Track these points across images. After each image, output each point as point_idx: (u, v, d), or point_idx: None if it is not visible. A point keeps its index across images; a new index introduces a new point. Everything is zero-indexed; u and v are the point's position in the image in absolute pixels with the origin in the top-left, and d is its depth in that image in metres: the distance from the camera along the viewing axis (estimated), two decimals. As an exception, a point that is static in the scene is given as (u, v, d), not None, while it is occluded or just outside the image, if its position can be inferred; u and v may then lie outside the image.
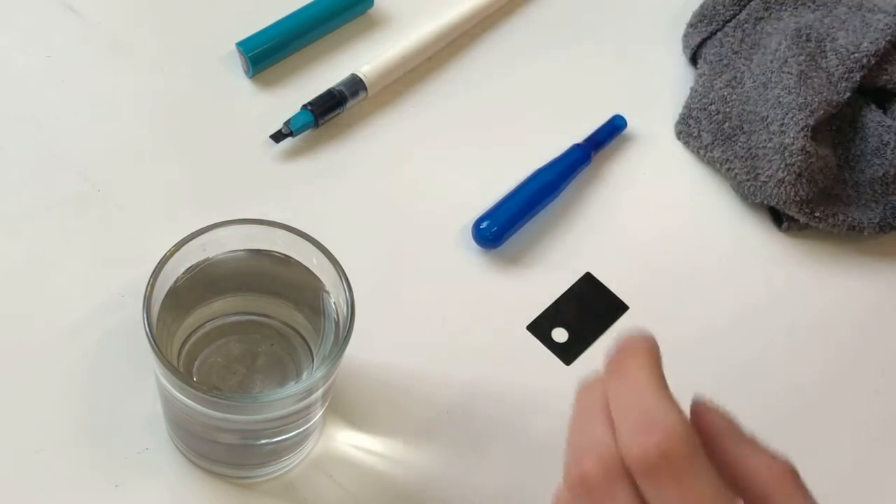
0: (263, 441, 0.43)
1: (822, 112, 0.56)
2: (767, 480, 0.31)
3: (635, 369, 0.31)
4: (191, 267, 0.42)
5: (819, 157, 0.55)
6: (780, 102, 0.56)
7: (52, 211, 0.52)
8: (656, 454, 0.29)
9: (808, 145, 0.54)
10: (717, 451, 0.31)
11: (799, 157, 0.54)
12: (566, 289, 0.53)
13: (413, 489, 0.47)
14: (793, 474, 0.31)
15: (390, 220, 0.54)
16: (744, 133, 0.57)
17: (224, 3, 0.61)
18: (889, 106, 0.59)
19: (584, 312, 0.52)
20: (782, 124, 0.55)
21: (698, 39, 0.62)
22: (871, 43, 0.58)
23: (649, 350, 0.32)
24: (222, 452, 0.44)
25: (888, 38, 0.58)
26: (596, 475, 0.30)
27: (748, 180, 0.56)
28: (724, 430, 0.31)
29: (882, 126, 0.58)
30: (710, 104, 0.59)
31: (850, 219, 0.55)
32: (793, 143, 0.54)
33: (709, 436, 0.31)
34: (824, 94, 0.56)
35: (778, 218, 0.57)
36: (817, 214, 0.55)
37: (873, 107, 0.59)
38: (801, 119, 0.55)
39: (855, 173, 0.57)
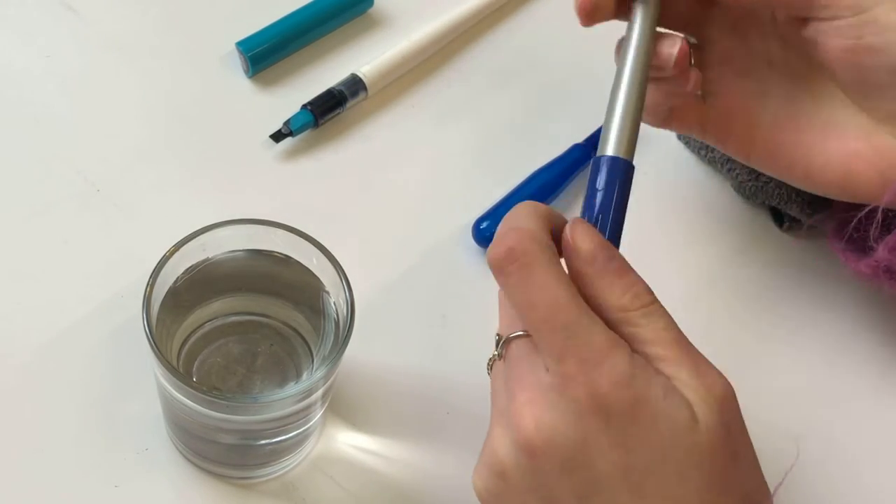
0: (263, 441, 0.43)
1: None
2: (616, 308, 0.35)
3: (518, 207, 0.37)
4: (190, 267, 0.42)
5: None
6: None
7: (52, 211, 0.52)
8: (504, 251, 0.34)
9: None
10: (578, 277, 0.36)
11: None
12: (566, 289, 0.53)
13: (413, 489, 0.47)
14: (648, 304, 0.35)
15: (390, 219, 0.54)
16: (745, 133, 0.57)
17: (224, 3, 0.61)
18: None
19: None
20: None
21: (699, 39, 0.62)
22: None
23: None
24: (222, 453, 0.44)
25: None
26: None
27: (750, 180, 0.56)
28: (581, 268, 0.35)
29: None
30: (711, 104, 0.59)
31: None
32: None
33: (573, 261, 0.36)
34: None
35: (779, 217, 0.57)
36: (818, 215, 0.55)
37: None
38: None
39: None
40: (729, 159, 0.57)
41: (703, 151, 0.58)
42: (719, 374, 0.35)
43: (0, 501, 0.44)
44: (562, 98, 0.61)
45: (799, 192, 0.54)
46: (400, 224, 0.54)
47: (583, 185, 0.57)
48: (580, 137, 0.58)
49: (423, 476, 0.47)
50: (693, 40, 0.47)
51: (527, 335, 0.35)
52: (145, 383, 0.46)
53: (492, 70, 0.61)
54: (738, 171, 0.57)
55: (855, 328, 0.55)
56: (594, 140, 0.58)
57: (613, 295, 0.35)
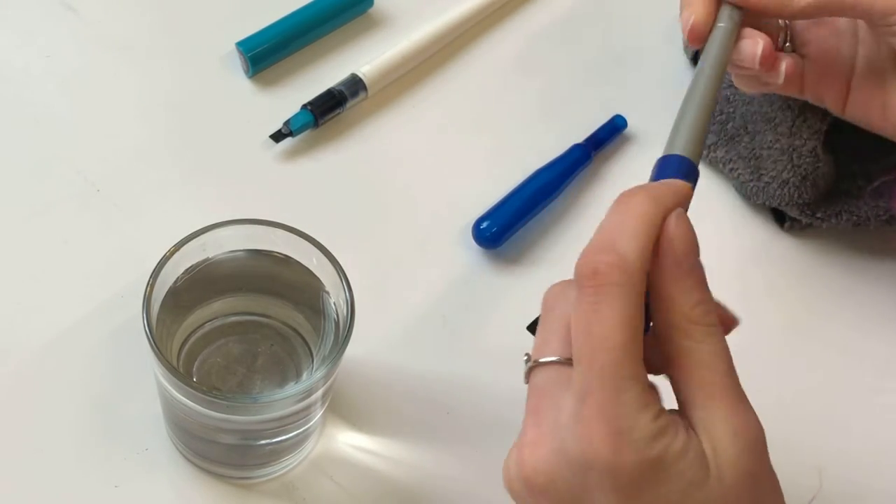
0: (263, 441, 0.43)
1: (832, 115, 0.55)
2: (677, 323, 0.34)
3: (636, 203, 0.35)
4: (191, 267, 0.42)
5: (824, 161, 0.55)
6: (789, 104, 0.55)
7: (52, 211, 0.52)
8: (590, 270, 0.33)
9: (818, 147, 0.54)
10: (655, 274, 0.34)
11: (808, 160, 0.54)
12: (566, 289, 0.53)
13: (413, 489, 0.47)
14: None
15: (390, 220, 0.54)
16: (748, 133, 0.57)
17: (224, 3, 0.61)
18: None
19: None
20: (793, 125, 0.54)
21: (699, 39, 0.62)
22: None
23: (662, 195, 0.35)
24: (222, 453, 0.44)
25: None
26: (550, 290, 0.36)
27: (751, 181, 0.56)
28: (669, 263, 0.34)
29: None
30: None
31: (854, 217, 0.55)
32: (804, 145, 0.54)
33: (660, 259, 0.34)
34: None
35: (780, 216, 0.57)
36: (819, 215, 0.55)
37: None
38: (816, 122, 0.54)
39: (866, 164, 0.57)
40: (731, 159, 0.57)
41: (705, 152, 0.58)
42: (753, 415, 0.34)
43: (0, 501, 0.44)
44: (561, 98, 0.61)
45: (800, 194, 0.54)
46: (400, 224, 0.54)
47: (583, 186, 0.57)
48: (580, 137, 0.58)
49: (422, 476, 0.47)
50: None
51: (556, 363, 0.34)
52: (145, 383, 0.46)
53: (491, 70, 0.61)
54: (740, 171, 0.56)
55: (855, 327, 0.55)
56: (594, 140, 0.57)
57: (688, 301, 0.34)
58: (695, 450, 0.32)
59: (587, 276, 0.33)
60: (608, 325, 0.32)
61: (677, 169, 0.37)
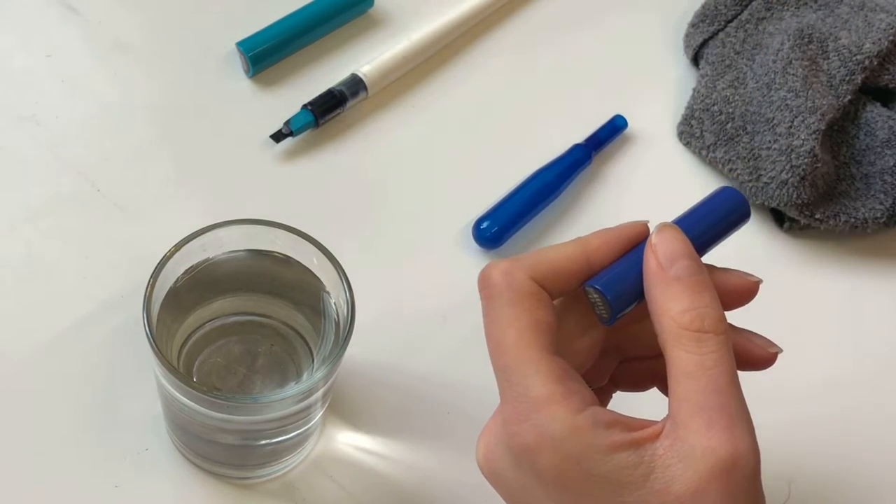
0: (263, 441, 0.43)
1: (829, 116, 0.55)
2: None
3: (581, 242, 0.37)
4: (191, 267, 0.42)
5: (823, 161, 0.55)
6: (787, 105, 0.55)
7: (52, 211, 0.52)
8: (480, 276, 0.36)
9: (816, 148, 0.54)
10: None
11: (805, 160, 0.54)
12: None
13: (413, 489, 0.47)
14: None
15: (390, 219, 0.54)
16: (747, 134, 0.57)
17: (224, 3, 0.61)
18: (891, 105, 0.59)
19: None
20: (791, 126, 0.55)
21: (700, 39, 0.62)
22: (873, 44, 0.58)
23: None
24: (222, 453, 0.44)
25: (891, 38, 0.58)
26: None
27: (750, 181, 0.56)
28: (651, 269, 0.35)
29: (891, 119, 0.58)
30: (713, 105, 0.59)
31: (852, 219, 0.55)
32: (801, 146, 0.54)
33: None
34: (828, 97, 0.56)
35: (779, 217, 0.57)
36: (818, 216, 0.55)
37: (878, 104, 0.59)
38: (813, 122, 0.54)
39: (863, 167, 0.57)
40: (730, 160, 0.57)
41: (704, 152, 0.58)
42: (739, 439, 0.32)
43: (0, 501, 0.44)
44: (562, 98, 0.61)
45: (798, 194, 0.54)
46: (400, 224, 0.54)
47: (583, 186, 0.57)
48: (580, 137, 0.58)
49: (423, 476, 0.47)
50: None
51: None
52: (145, 383, 0.46)
53: (491, 70, 0.61)
54: (738, 171, 0.57)
55: (854, 327, 0.55)
56: (594, 140, 0.57)
57: (675, 307, 0.33)
58: (632, 453, 0.32)
59: (480, 286, 0.36)
60: (498, 327, 0.34)
61: (735, 207, 0.39)
